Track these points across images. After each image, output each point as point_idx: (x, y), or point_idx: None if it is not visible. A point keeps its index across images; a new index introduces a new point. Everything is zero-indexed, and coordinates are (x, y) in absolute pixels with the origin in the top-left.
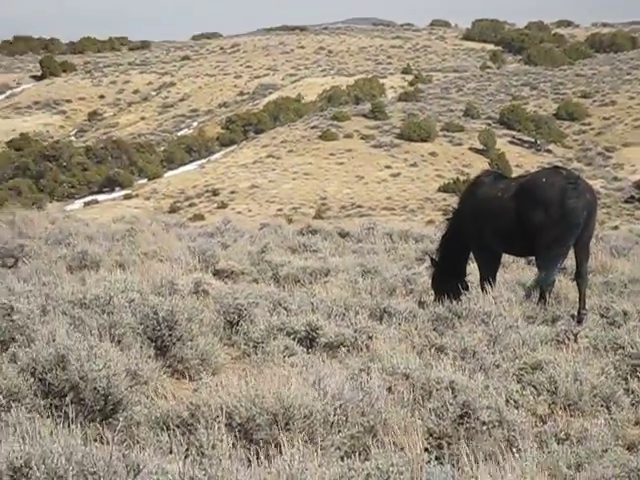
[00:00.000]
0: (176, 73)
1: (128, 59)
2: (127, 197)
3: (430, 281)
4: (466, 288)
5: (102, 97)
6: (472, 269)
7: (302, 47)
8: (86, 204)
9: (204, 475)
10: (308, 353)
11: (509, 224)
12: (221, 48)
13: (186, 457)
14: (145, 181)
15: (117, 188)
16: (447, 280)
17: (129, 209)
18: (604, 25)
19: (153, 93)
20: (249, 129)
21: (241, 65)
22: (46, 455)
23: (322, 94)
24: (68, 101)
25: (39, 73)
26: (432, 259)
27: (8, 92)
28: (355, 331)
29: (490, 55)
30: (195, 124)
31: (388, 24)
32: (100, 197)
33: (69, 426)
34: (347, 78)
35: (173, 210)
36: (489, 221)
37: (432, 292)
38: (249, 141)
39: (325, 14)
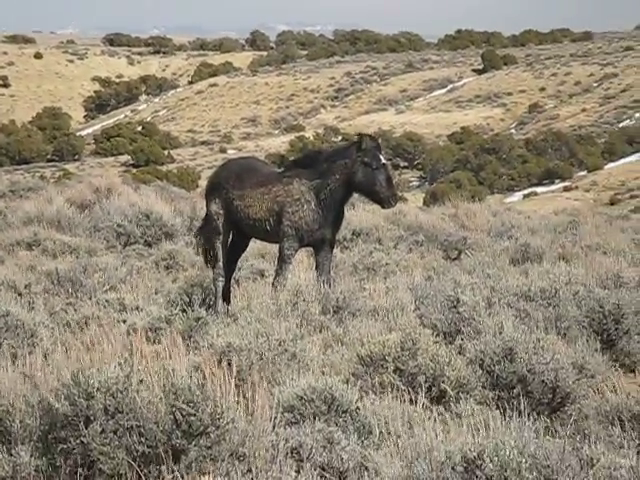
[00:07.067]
0: (618, 64)
1: (570, 51)
2: (566, 189)
3: None
4: None
5: (543, 89)
6: None
7: None
8: (525, 196)
9: None
10: None
11: None
12: None
13: (639, 452)
14: (584, 173)
15: (557, 180)
16: None
17: (568, 201)
18: None
19: (594, 84)
20: None
21: None
22: (499, 447)
23: None
24: (509, 94)
25: (480, 67)
26: None
27: (450, 86)
28: None
29: None
30: (638, 115)
31: None
32: (539, 189)
33: (519, 418)
34: None
35: (613, 202)
36: None
37: None
38: None
39: None
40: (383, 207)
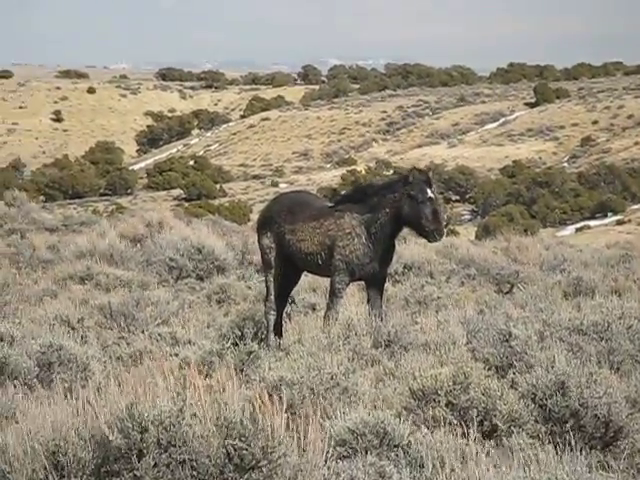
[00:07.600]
0: None
1: (623, 84)
2: (619, 223)
3: None
4: None
5: (595, 123)
6: None
7: None
8: (577, 230)
9: None
10: None
11: None
12: None
13: None
14: (638, 206)
15: (609, 214)
16: None
17: (621, 235)
18: None
19: None
20: None
21: None
22: None
23: None
24: (561, 127)
25: (532, 100)
26: None
27: (502, 119)
28: None
29: None
30: None
31: None
32: (592, 223)
33: (572, 453)
34: None
35: None
36: None
37: None
38: None
39: None
40: (429, 241)
